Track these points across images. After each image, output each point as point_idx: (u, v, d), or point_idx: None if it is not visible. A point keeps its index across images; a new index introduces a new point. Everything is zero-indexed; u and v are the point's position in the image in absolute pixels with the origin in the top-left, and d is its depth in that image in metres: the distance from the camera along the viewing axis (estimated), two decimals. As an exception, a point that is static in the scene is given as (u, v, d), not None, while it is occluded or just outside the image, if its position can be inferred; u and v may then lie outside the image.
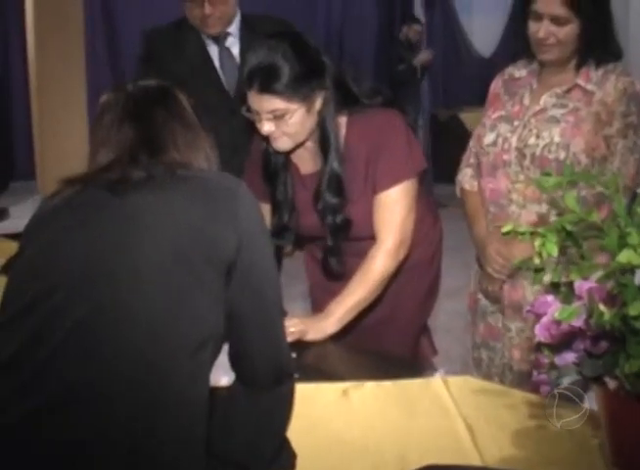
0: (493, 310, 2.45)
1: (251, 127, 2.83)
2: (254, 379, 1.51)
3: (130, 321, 1.34)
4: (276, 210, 2.33)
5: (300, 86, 2.09)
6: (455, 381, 1.89)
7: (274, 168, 2.31)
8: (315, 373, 1.98)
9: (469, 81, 9.01)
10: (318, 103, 2.16)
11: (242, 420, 1.50)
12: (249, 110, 2.15)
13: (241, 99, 2.18)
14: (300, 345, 2.11)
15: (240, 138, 2.80)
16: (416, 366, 2.22)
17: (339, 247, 2.29)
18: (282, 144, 2.19)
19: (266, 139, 2.21)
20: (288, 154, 2.28)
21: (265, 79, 2.07)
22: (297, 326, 2.12)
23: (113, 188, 1.44)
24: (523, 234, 1.38)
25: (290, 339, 2.09)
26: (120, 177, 1.45)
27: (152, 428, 1.31)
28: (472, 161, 2.49)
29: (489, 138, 2.37)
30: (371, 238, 2.26)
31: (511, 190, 2.31)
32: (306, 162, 2.30)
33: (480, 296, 2.49)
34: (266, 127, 2.13)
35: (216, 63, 2.94)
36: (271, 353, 1.51)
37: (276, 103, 2.09)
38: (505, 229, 1.41)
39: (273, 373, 1.51)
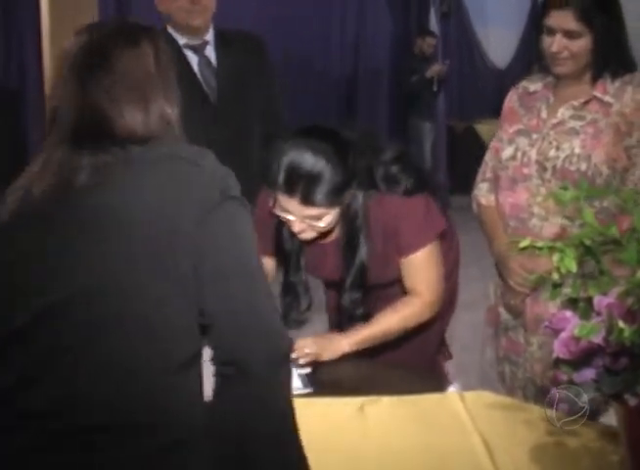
0: (515, 325, 2.43)
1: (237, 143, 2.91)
2: (245, 363, 1.31)
3: (112, 338, 1.29)
4: (285, 269, 2.31)
5: (341, 194, 2.04)
6: (471, 396, 1.87)
7: (288, 252, 2.28)
8: (331, 387, 1.98)
9: (484, 93, 9.05)
10: (349, 197, 2.11)
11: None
12: (274, 205, 2.08)
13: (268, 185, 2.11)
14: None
15: (224, 149, 2.84)
16: (432, 380, 2.19)
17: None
18: (309, 235, 2.14)
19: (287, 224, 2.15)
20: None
21: (309, 191, 1.99)
22: (311, 348, 2.11)
23: (70, 188, 1.32)
24: (541, 249, 1.37)
25: (306, 360, 2.09)
26: (68, 178, 1.32)
27: (143, 444, 1.28)
28: (488, 175, 2.47)
29: (508, 152, 2.36)
30: (386, 285, 2.26)
31: (532, 203, 2.29)
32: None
33: (502, 310, 2.47)
34: (298, 228, 2.09)
35: (196, 71, 3.00)
36: (256, 325, 1.32)
37: (315, 211, 2.04)
38: (522, 244, 1.40)
39: (265, 353, 1.32)
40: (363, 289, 2.20)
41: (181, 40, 2.99)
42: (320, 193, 1.99)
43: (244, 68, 3.02)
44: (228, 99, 2.99)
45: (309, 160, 1.99)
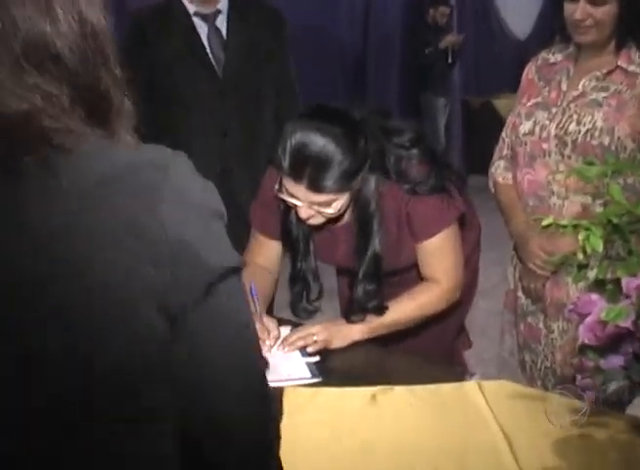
0: (533, 310, 2.36)
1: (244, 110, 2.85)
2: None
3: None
4: (293, 256, 2.21)
5: (352, 179, 1.92)
6: (490, 385, 1.79)
7: (296, 237, 2.18)
8: (342, 376, 1.90)
9: (503, 65, 8.79)
10: (359, 182, 1.99)
11: None
12: (280, 189, 1.98)
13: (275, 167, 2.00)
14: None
15: (230, 121, 2.86)
16: (451, 370, 2.12)
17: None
18: (317, 221, 2.03)
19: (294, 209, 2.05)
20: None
21: (317, 177, 1.87)
22: (320, 335, 2.03)
23: None
24: (564, 227, 1.29)
25: (314, 348, 2.02)
26: None
27: None
28: (505, 152, 2.41)
29: (526, 127, 2.29)
30: (401, 271, 2.17)
31: (551, 181, 2.22)
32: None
33: (520, 294, 2.40)
34: (305, 214, 1.98)
35: (205, 42, 2.93)
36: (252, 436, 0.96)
37: (324, 197, 1.93)
38: (545, 222, 1.32)
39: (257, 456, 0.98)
40: (377, 279, 2.09)
41: (192, 8, 2.90)
42: (329, 179, 1.88)
43: (256, 40, 2.92)
44: (234, 74, 2.90)
45: (317, 143, 1.86)
